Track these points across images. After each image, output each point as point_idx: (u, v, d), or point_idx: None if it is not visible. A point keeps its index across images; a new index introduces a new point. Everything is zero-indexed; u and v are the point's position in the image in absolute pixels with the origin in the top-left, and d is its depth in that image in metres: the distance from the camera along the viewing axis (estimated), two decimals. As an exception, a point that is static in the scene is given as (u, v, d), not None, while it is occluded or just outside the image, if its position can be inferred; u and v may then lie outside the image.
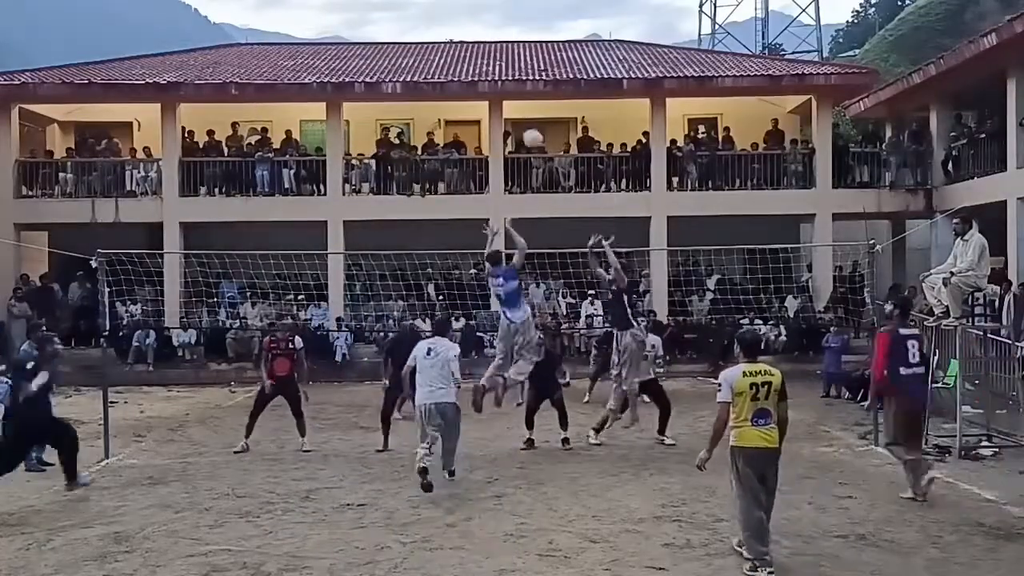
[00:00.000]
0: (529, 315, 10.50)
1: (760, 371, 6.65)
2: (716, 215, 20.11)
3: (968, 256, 10.52)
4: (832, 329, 16.66)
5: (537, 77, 21.57)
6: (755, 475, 6.59)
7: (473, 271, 21.50)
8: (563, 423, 11.42)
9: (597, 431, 11.56)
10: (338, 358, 19.57)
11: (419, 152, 22.00)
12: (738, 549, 6.86)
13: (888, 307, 10.03)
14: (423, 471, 8.76)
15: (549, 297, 20.86)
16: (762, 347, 7.22)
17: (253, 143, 22.07)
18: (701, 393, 14.98)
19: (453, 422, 9.21)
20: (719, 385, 6.70)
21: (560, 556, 6.95)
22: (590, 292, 19.99)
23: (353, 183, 21.70)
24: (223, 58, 24.89)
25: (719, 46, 53.96)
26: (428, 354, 9.25)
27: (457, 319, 20.14)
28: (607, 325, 17.31)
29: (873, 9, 61.32)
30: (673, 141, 21.67)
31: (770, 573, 6.40)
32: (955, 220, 11.00)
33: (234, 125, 22.36)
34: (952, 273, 10.66)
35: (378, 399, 12.14)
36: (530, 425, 11.51)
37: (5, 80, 21.60)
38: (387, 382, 11.76)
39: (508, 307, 10.35)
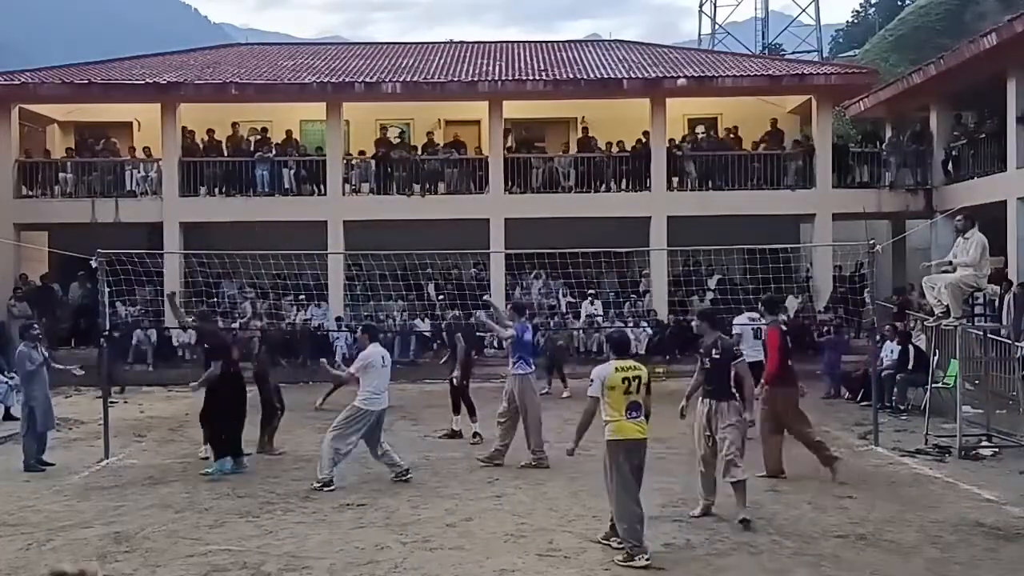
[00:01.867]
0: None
1: (630, 367, 7.04)
2: (716, 215, 20.10)
3: (970, 252, 10.56)
4: (832, 329, 16.66)
5: (537, 77, 21.56)
6: (631, 466, 6.92)
7: (473, 271, 21.53)
8: (472, 416, 12.00)
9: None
10: (338, 358, 19.56)
11: (419, 152, 22.00)
12: (604, 542, 7.10)
13: (760, 308, 10.55)
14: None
15: (548, 295, 20.88)
16: (630, 348, 7.87)
17: (253, 143, 22.06)
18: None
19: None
20: (591, 380, 7.04)
21: (560, 556, 6.96)
22: (590, 292, 19.99)
23: (353, 183, 21.71)
24: (223, 58, 24.88)
25: (719, 46, 53.91)
26: (384, 362, 9.68)
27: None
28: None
29: (873, 9, 61.26)
30: (672, 141, 21.67)
31: (647, 559, 6.69)
32: (958, 218, 11.02)
33: (234, 125, 22.36)
34: (951, 262, 10.75)
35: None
36: (457, 411, 12.15)
37: (5, 80, 21.58)
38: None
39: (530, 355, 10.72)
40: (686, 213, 20.30)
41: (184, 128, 21.94)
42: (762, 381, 9.73)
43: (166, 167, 21.24)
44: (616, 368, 6.96)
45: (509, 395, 10.48)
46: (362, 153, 22.05)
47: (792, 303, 19.94)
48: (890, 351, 14.84)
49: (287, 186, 21.41)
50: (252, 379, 11.27)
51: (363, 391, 9.46)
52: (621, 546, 6.89)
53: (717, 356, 8.18)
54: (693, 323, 9.98)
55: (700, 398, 8.28)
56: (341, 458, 9.35)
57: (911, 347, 14.64)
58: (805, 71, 22.62)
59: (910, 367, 14.29)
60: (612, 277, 20.56)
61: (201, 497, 9.01)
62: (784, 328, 10.34)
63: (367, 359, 9.54)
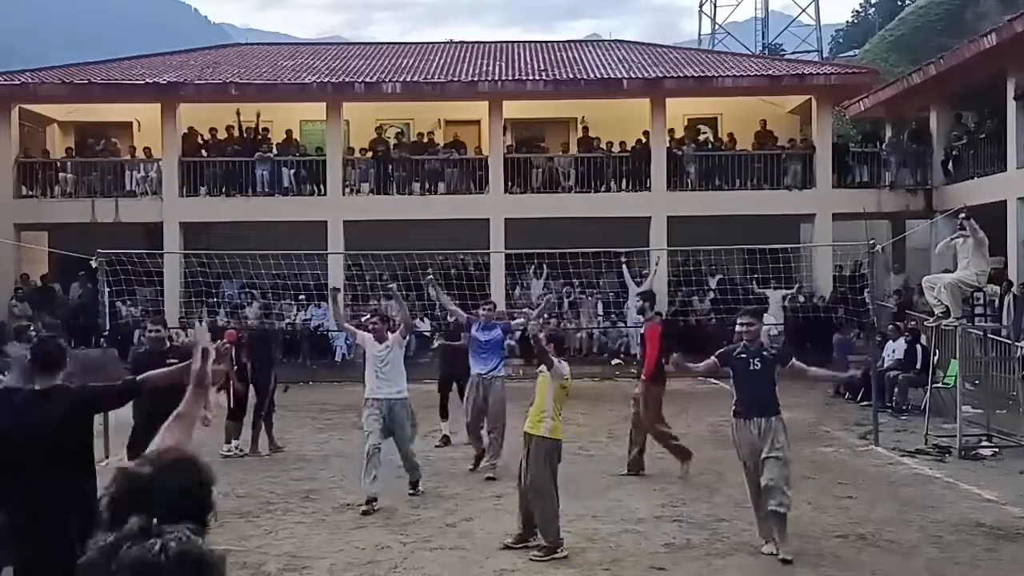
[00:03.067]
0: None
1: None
2: (716, 215, 20.10)
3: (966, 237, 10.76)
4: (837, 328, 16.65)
5: (537, 77, 21.56)
6: (556, 466, 7.00)
7: (472, 271, 21.50)
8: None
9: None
10: (338, 358, 19.58)
11: (419, 151, 21.99)
12: (520, 546, 6.97)
13: (640, 304, 10.41)
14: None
15: (547, 295, 20.83)
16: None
17: (253, 135, 22.01)
18: (699, 393, 14.97)
19: None
20: (560, 359, 7.14)
21: (560, 556, 6.95)
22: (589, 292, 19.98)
23: (353, 183, 21.70)
24: (223, 58, 24.88)
25: (719, 46, 53.92)
26: None
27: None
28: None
29: (873, 9, 61.29)
30: (673, 140, 21.66)
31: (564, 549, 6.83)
32: (962, 215, 11.07)
33: (229, 128, 22.31)
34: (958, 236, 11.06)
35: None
36: (444, 416, 11.74)
37: (5, 80, 21.58)
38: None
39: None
40: (686, 213, 20.29)
41: (191, 128, 21.95)
42: (641, 376, 9.83)
43: (166, 167, 21.24)
44: (568, 369, 7.15)
45: (485, 399, 9.90)
46: (364, 151, 22.04)
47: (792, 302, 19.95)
48: (892, 351, 14.81)
49: (287, 186, 21.41)
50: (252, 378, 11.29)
51: (403, 382, 8.92)
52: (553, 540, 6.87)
53: (771, 355, 7.04)
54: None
55: (741, 418, 6.98)
56: None
57: (919, 347, 14.54)
58: (805, 71, 22.63)
59: (918, 366, 14.19)
60: (612, 277, 20.56)
61: (201, 497, 8.99)
62: (663, 325, 10.28)
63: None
